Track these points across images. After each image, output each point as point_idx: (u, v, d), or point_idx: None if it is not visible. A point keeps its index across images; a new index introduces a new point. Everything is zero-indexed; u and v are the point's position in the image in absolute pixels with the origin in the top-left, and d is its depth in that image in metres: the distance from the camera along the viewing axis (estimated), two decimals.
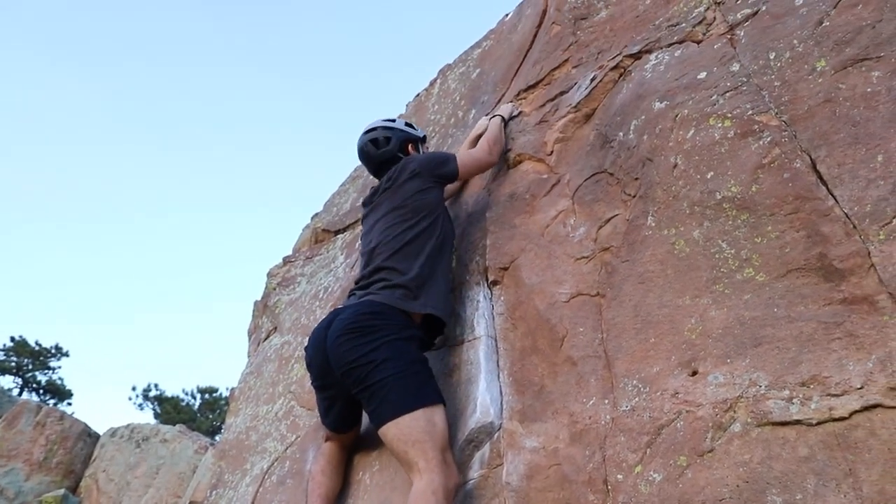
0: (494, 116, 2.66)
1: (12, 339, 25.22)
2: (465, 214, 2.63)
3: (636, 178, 1.91)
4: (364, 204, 2.61)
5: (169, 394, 25.48)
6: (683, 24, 2.09)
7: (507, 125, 2.66)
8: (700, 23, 2.04)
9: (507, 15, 3.52)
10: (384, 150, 2.65)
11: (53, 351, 26.02)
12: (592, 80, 2.31)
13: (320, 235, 3.93)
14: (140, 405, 25.41)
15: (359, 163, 4.16)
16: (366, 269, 2.26)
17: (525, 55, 2.98)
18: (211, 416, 24.28)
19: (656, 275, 1.73)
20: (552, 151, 2.36)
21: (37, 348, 25.60)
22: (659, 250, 1.75)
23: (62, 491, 8.87)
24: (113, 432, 9.79)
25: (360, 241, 2.65)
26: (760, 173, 1.60)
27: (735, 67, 1.81)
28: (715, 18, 2.00)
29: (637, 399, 1.61)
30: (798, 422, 1.32)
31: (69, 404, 25.90)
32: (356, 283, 2.28)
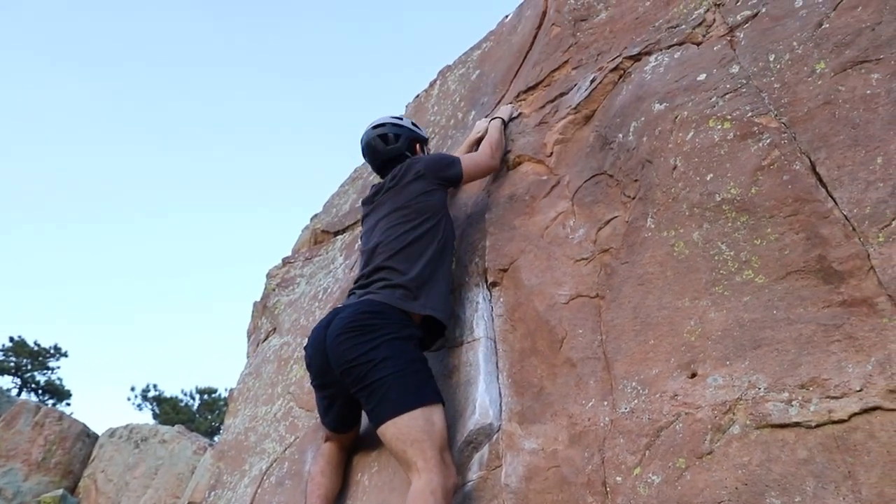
0: (494, 119, 2.66)
1: (11, 339, 25.25)
2: (465, 216, 2.63)
3: (636, 180, 1.91)
4: (365, 203, 2.59)
5: (168, 394, 25.51)
6: (683, 26, 2.09)
7: (507, 127, 2.66)
8: (700, 24, 2.04)
9: (506, 16, 3.52)
10: (393, 146, 2.63)
11: (52, 351, 26.03)
12: (592, 81, 2.31)
13: (319, 236, 3.93)
14: (139, 406, 25.44)
15: (358, 164, 4.19)
16: (366, 269, 2.25)
17: (525, 57, 2.99)
18: (210, 417, 24.27)
19: (656, 276, 1.73)
20: (552, 153, 2.36)
21: (36, 348, 25.60)
22: (658, 252, 1.75)
23: (60, 491, 8.86)
24: (112, 433, 9.79)
25: (360, 240, 2.64)
26: (760, 175, 1.60)
27: (735, 69, 1.81)
28: (715, 20, 2.00)
29: (636, 401, 1.61)
30: (797, 424, 1.32)
31: (68, 404, 25.93)
32: (356, 282, 2.28)
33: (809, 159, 1.54)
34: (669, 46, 2.10)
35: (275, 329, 3.54)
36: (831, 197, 1.46)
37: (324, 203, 4.21)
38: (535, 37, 2.98)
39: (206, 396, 25.39)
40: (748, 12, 1.89)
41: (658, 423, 1.53)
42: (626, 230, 1.88)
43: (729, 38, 1.91)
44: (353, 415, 2.19)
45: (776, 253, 1.51)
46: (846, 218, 1.42)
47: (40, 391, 25.44)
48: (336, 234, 3.77)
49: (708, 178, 1.71)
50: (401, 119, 2.72)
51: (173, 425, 10.94)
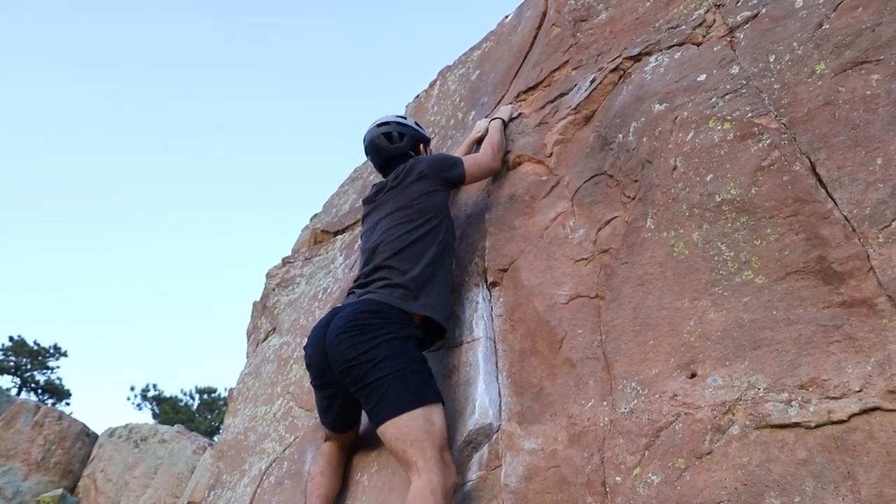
0: (495, 119, 2.66)
1: (11, 338, 25.25)
2: (465, 216, 2.63)
3: (636, 181, 1.91)
4: (366, 202, 2.59)
5: (167, 394, 25.50)
6: (683, 27, 2.10)
7: (507, 127, 2.66)
8: (700, 25, 2.04)
9: (506, 17, 3.52)
10: (397, 145, 2.64)
11: (52, 351, 26.03)
12: (592, 81, 2.31)
13: (319, 236, 3.93)
14: (138, 405, 25.43)
15: (358, 164, 4.19)
16: (366, 267, 2.25)
17: (525, 57, 2.99)
18: (209, 417, 24.27)
19: (655, 277, 1.73)
20: (552, 153, 2.36)
21: (35, 348, 25.60)
22: (658, 252, 1.75)
23: (60, 491, 8.86)
24: (111, 432, 9.79)
25: (360, 239, 2.63)
26: (760, 176, 1.60)
27: (735, 70, 1.81)
28: (715, 21, 2.00)
29: (636, 401, 1.61)
30: (797, 424, 1.32)
31: (67, 404, 25.92)
32: (355, 280, 2.28)
33: (809, 160, 1.54)
34: (669, 47, 2.10)
35: (274, 329, 3.54)
36: (831, 198, 1.46)
37: (324, 203, 4.21)
38: (535, 37, 2.98)
39: (205, 396, 25.39)
40: (748, 13, 1.89)
41: (658, 424, 1.53)
42: (625, 230, 1.88)
43: (729, 39, 1.91)
44: (352, 414, 2.19)
45: (776, 253, 1.51)
46: (846, 219, 1.42)
47: (40, 391, 25.44)
48: (336, 234, 3.77)
49: (708, 179, 1.71)
50: (405, 119, 2.73)
51: (173, 425, 10.95)
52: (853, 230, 1.40)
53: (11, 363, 24.95)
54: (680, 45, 2.07)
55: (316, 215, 4.20)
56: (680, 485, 1.42)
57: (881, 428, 1.22)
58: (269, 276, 3.92)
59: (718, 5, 2.02)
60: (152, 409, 25.04)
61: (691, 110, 1.84)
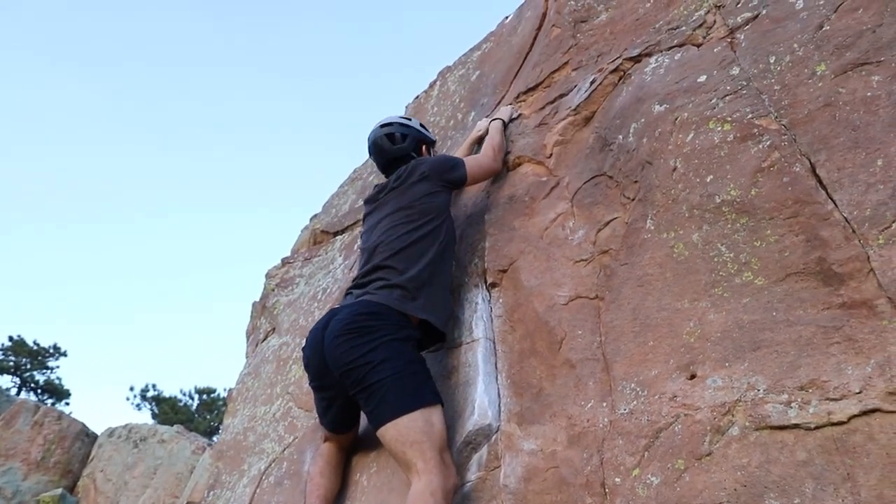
0: (495, 120, 2.66)
1: (10, 338, 25.23)
2: (464, 216, 2.63)
3: (635, 182, 1.91)
4: (367, 201, 2.59)
5: (167, 394, 25.48)
6: (683, 28, 2.09)
7: (507, 127, 2.66)
8: (700, 26, 2.04)
9: (506, 17, 3.52)
10: (399, 146, 2.65)
11: (52, 350, 26.01)
12: (592, 82, 2.31)
13: (319, 237, 3.93)
14: (138, 405, 25.41)
15: (358, 165, 4.18)
16: (365, 267, 2.25)
17: (525, 58, 2.98)
18: (209, 417, 24.26)
19: (655, 278, 1.73)
20: (551, 154, 2.36)
21: (35, 348, 25.58)
22: (658, 253, 1.75)
23: (60, 490, 8.86)
24: (111, 432, 9.79)
25: (360, 238, 2.63)
26: (760, 177, 1.60)
27: (735, 71, 1.81)
28: (715, 22, 2.00)
29: (635, 402, 1.61)
30: (796, 426, 1.31)
31: (67, 404, 25.90)
32: (353, 280, 2.28)
33: (809, 161, 1.53)
34: (670, 48, 2.10)
35: (274, 329, 3.54)
36: (831, 199, 1.46)
37: (323, 203, 4.21)
38: (535, 38, 2.98)
39: (204, 396, 25.38)
40: (748, 14, 1.89)
41: (657, 425, 1.53)
42: (625, 231, 1.88)
43: (729, 40, 1.91)
44: (351, 415, 2.19)
45: (776, 255, 1.51)
46: (846, 220, 1.42)
47: (39, 390, 25.42)
48: (335, 234, 3.77)
49: (708, 180, 1.70)
50: (409, 120, 2.73)
51: (172, 425, 10.94)
52: (853, 232, 1.40)
53: (11, 363, 24.94)
54: (680, 46, 2.07)
55: (315, 216, 4.20)
56: (679, 486, 1.42)
57: (881, 429, 1.22)
58: (268, 276, 3.91)
59: (719, 6, 2.02)
60: (152, 410, 25.04)
61: (691, 111, 1.84)
